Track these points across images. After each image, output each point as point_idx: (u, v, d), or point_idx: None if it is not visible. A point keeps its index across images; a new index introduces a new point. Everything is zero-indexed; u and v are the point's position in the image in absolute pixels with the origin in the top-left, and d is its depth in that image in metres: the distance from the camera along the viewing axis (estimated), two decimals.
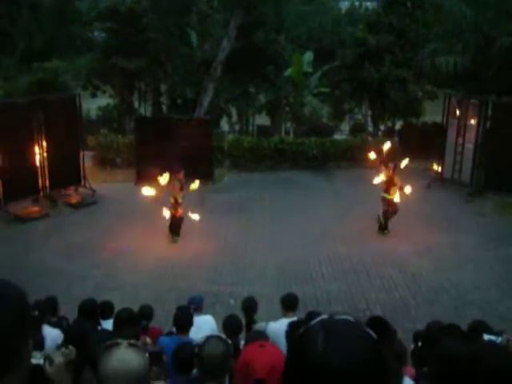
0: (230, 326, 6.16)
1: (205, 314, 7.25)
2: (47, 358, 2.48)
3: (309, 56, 30.74)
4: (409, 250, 13.61)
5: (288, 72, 30.01)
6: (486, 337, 4.57)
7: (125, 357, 2.53)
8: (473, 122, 18.92)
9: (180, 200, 13.80)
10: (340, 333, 1.54)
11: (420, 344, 5.85)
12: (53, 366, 2.49)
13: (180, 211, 13.84)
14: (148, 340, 5.35)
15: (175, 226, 13.96)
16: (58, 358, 2.50)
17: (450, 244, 13.98)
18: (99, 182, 19.19)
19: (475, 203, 17.44)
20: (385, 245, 14.00)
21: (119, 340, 2.56)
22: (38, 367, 2.43)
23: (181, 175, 13.87)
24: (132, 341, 2.68)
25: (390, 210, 14.32)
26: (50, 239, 14.15)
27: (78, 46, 33.19)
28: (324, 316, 1.62)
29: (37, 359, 2.44)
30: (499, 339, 4.39)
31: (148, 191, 13.80)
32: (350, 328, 1.57)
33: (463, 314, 10.00)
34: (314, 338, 1.52)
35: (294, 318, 6.46)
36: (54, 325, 6.41)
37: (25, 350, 1.69)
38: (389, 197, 14.19)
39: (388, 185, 14.20)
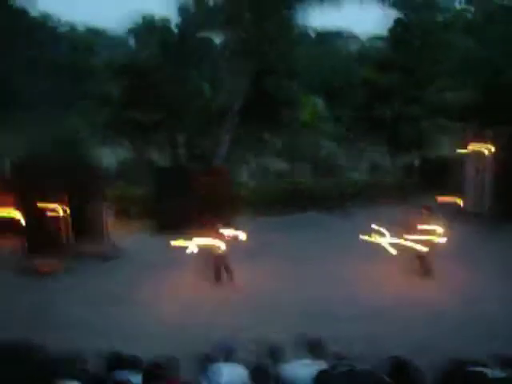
0: (257, 376, 6.12)
1: (235, 362, 7.19)
2: None
3: (317, 102, 31.14)
4: (433, 287, 13.50)
5: (302, 116, 30.35)
6: None
7: None
8: (489, 154, 18.94)
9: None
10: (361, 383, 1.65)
11: None
12: None
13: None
14: None
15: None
16: None
17: (475, 278, 13.87)
18: (117, 233, 19.38)
19: (497, 235, 17.28)
20: (408, 283, 13.91)
21: None
22: None
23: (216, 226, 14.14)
24: None
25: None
26: (73, 293, 14.27)
27: (94, 103, 33.94)
28: (346, 367, 1.74)
29: None
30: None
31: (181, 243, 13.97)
32: (369, 378, 1.68)
33: (490, 349, 9.84)
34: None
35: (320, 362, 6.44)
36: (77, 379, 6.45)
37: None
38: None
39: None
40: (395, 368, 4.62)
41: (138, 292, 14.15)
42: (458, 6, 32.21)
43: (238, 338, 10.33)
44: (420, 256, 14.17)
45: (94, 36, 42.59)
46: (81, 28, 40.22)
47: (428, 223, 14.04)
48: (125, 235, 19.50)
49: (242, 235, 14.36)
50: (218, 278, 14.34)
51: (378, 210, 19.57)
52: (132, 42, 37.34)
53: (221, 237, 14.15)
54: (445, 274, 14.27)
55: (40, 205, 16.20)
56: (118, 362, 6.68)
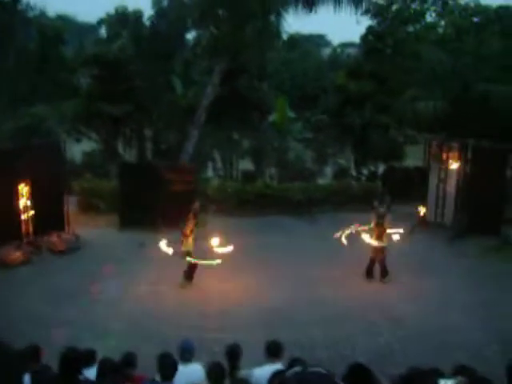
0: (213, 374, 6.11)
1: (194, 362, 7.15)
2: None
3: (287, 104, 31.29)
4: (393, 294, 13.64)
5: (272, 117, 30.42)
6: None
7: None
8: (454, 165, 19.24)
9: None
10: None
11: None
12: None
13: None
14: None
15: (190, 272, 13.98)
16: None
17: (435, 288, 14.04)
18: (83, 227, 19.12)
19: (458, 246, 17.55)
20: (369, 289, 14.04)
21: None
22: None
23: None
24: None
25: (379, 256, 14.38)
26: (33, 286, 13.99)
27: (63, 92, 33.41)
28: (298, 368, 1.72)
29: None
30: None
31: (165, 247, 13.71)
32: (320, 380, 1.66)
33: (449, 358, 9.96)
34: None
35: (279, 365, 6.43)
36: (36, 373, 6.31)
37: None
38: (376, 243, 14.24)
39: (377, 231, 14.25)
40: (351, 372, 4.64)
41: (99, 287, 13.93)
42: (429, 18, 32.79)
43: (200, 339, 10.29)
44: (376, 258, 14.37)
45: (64, 22, 41.92)
46: (50, 13, 39.41)
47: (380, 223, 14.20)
48: (91, 229, 19.24)
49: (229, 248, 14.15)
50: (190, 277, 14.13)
51: (343, 216, 19.69)
52: (102, 31, 36.97)
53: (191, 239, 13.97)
54: (401, 280, 14.44)
55: (0, 195, 15.85)
56: (74, 356, 6.55)
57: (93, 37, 38.22)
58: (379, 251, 14.37)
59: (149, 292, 13.73)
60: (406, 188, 22.37)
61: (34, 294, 13.37)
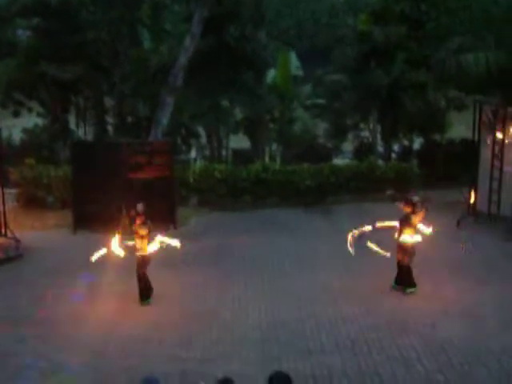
0: None
1: None
2: None
3: (292, 59, 31.16)
4: (435, 309, 13.62)
5: (271, 78, 30.31)
6: None
7: None
8: None
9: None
10: None
11: None
12: None
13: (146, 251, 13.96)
14: None
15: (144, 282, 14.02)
16: None
17: (490, 299, 14.02)
18: (25, 228, 19.15)
19: None
20: (402, 303, 14.02)
21: None
22: None
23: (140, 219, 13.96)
24: None
25: (407, 257, 14.28)
26: None
27: None
28: None
29: None
30: None
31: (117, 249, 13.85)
32: None
33: None
34: None
35: None
36: None
37: None
38: (404, 241, 14.16)
39: (403, 226, 14.17)
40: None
41: (42, 309, 13.89)
42: None
43: (182, 373, 10.36)
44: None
45: None
46: None
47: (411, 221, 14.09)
48: (36, 231, 19.24)
49: (176, 243, 14.24)
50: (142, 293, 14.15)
51: (368, 207, 19.72)
52: None
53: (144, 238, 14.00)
54: (443, 291, 14.39)
55: None
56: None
57: None
58: (405, 250, 14.22)
59: (113, 312, 13.73)
60: (449, 168, 22.38)
61: None
